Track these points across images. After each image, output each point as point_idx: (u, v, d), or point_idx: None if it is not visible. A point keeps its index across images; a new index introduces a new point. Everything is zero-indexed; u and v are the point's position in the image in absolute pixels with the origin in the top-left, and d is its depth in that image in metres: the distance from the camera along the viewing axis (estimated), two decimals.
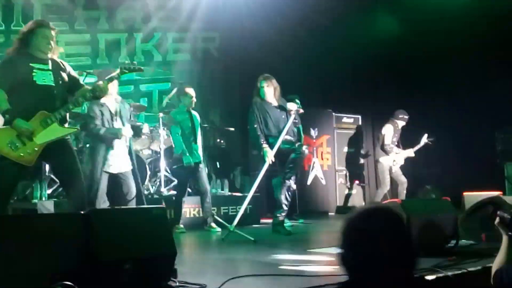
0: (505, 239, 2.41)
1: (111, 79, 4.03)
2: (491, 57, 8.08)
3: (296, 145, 5.70)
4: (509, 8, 7.67)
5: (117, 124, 5.23)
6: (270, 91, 5.78)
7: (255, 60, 8.93)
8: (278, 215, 5.57)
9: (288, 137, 5.64)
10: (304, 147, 5.83)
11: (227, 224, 5.47)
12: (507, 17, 7.76)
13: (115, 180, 5.14)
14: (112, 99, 5.26)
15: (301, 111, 5.82)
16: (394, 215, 1.68)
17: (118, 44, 8.77)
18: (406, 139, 8.14)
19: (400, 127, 7.92)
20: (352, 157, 9.38)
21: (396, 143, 7.91)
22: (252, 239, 4.86)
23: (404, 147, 7.98)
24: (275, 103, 5.80)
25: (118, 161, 5.14)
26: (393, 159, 7.78)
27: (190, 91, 5.99)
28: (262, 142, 5.53)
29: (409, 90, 8.81)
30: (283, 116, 5.75)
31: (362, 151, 9.52)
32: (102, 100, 5.12)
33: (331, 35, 9.02)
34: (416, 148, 7.88)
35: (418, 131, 8.10)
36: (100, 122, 5.14)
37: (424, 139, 7.86)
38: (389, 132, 7.83)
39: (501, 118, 7.95)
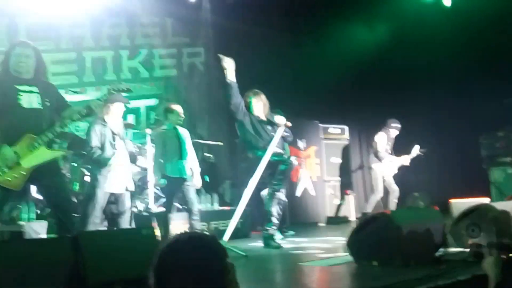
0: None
1: (100, 99, 3.99)
2: (472, 65, 8.21)
3: (284, 156, 5.74)
4: (489, 16, 7.83)
5: (120, 144, 5.21)
6: (258, 106, 5.82)
7: (241, 73, 8.97)
8: (268, 228, 5.57)
9: (277, 150, 5.67)
10: (292, 158, 5.87)
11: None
12: (488, 25, 7.91)
13: (112, 198, 5.13)
14: (116, 120, 5.26)
15: (289, 124, 5.86)
16: (211, 245, 1.58)
17: (104, 61, 8.77)
18: (394, 147, 8.22)
19: (393, 136, 8.04)
20: (341, 167, 9.43)
21: (389, 152, 8.00)
22: (244, 253, 4.85)
23: (397, 156, 8.06)
24: (262, 118, 5.84)
25: (119, 181, 5.11)
26: (386, 166, 7.86)
27: (177, 107, 5.98)
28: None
29: (394, 99, 8.90)
30: (269, 128, 5.79)
31: (351, 161, 9.58)
32: (106, 120, 5.14)
33: (316, 46, 9.11)
34: (409, 157, 8.00)
35: (404, 139, 8.18)
36: (98, 143, 5.10)
37: (416, 150, 7.98)
38: (381, 140, 7.95)
39: (485, 124, 8.06)
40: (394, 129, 8.01)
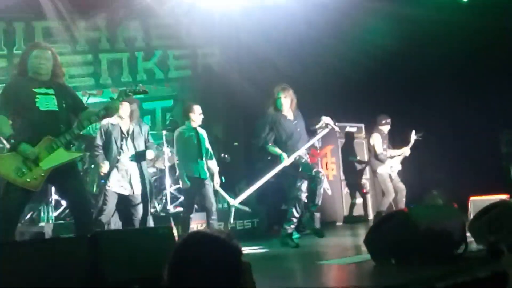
0: None
1: (118, 101, 4.02)
2: (492, 61, 8.09)
3: (313, 172, 5.50)
4: (508, 9, 7.71)
5: (128, 144, 5.21)
6: (287, 102, 5.65)
7: (256, 74, 8.99)
8: (287, 227, 5.52)
9: (303, 151, 5.52)
10: (321, 174, 5.58)
11: (228, 198, 5.65)
12: (507, 20, 7.78)
13: (125, 201, 5.14)
14: (127, 120, 5.28)
15: (337, 129, 5.72)
16: (226, 244, 1.58)
17: (120, 63, 8.84)
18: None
19: (386, 132, 7.83)
20: (354, 166, 9.33)
21: (388, 149, 7.81)
22: (248, 209, 5.28)
23: (396, 149, 7.87)
24: (290, 116, 5.68)
25: (127, 182, 5.13)
26: (390, 166, 7.70)
27: (197, 107, 6.01)
28: (273, 147, 5.48)
29: (412, 96, 8.81)
30: (298, 129, 5.62)
31: (365, 159, 9.47)
32: (116, 121, 5.16)
33: (330, 44, 9.06)
34: (409, 146, 7.74)
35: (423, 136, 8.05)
36: (101, 142, 5.16)
37: (413, 136, 7.73)
38: (377, 140, 7.73)
39: (505, 120, 7.94)
40: (386, 125, 7.77)
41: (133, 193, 5.13)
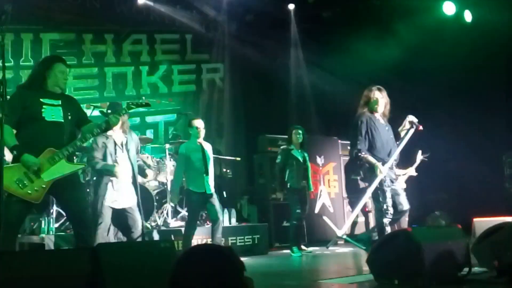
0: None
1: (119, 114, 4.02)
2: (495, 81, 8.11)
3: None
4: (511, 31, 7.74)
5: (122, 156, 5.11)
6: (382, 104, 5.12)
7: (259, 90, 9.04)
8: (373, 233, 5.07)
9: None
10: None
11: (335, 229, 5.71)
12: (510, 41, 7.81)
13: (121, 215, 5.06)
14: (119, 132, 5.22)
15: (421, 127, 5.22)
16: (229, 259, 1.57)
17: (124, 77, 8.90)
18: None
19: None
20: (357, 184, 9.28)
21: (394, 168, 7.73)
22: (364, 248, 5.25)
23: (403, 168, 7.81)
24: (382, 120, 5.13)
25: (122, 196, 5.01)
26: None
27: (196, 122, 5.96)
28: (368, 156, 4.88)
29: (417, 116, 8.77)
30: (391, 136, 5.14)
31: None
32: (109, 132, 5.11)
33: (335, 62, 9.10)
34: (414, 166, 7.67)
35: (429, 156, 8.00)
36: (100, 155, 5.04)
37: (419, 156, 7.67)
38: None
39: (508, 142, 7.92)
40: None
41: (127, 205, 5.03)
